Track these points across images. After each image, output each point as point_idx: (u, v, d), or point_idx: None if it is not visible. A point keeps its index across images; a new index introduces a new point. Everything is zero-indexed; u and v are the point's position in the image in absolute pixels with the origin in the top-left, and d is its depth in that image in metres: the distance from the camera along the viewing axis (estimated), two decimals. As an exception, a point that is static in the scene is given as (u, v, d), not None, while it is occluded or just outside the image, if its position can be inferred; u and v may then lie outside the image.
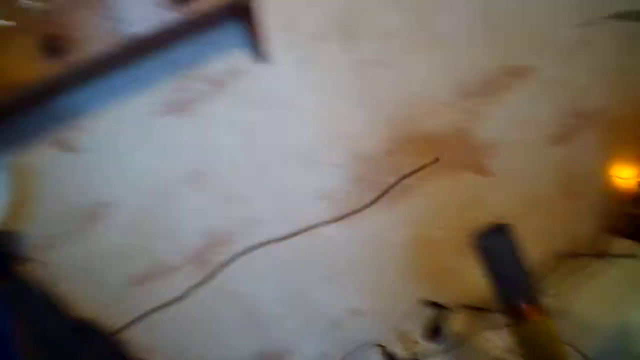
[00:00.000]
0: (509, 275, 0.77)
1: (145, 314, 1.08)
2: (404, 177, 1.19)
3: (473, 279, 1.23)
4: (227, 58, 1.05)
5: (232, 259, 1.11)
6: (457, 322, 1.24)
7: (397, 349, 1.20)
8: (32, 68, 0.79)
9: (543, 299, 0.82)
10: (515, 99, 1.23)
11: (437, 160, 1.19)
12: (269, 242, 1.12)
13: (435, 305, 1.23)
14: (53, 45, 0.79)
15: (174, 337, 1.12)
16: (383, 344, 1.20)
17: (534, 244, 1.28)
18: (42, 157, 1.01)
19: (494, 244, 0.75)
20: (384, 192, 1.18)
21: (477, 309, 1.23)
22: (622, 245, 1.27)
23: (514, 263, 0.77)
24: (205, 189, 1.09)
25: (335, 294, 1.20)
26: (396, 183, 1.18)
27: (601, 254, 1.25)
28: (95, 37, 0.80)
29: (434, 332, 1.19)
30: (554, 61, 1.24)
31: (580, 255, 1.28)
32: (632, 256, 1.21)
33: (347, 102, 1.14)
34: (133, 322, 1.07)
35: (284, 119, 1.11)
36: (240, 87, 1.07)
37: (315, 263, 1.18)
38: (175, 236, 1.09)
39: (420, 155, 1.20)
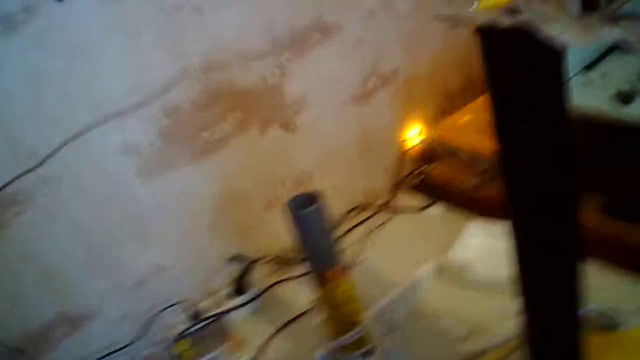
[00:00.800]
0: (317, 243, 0.83)
1: None
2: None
3: (279, 232, 1.29)
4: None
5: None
6: (263, 274, 1.30)
7: (205, 305, 1.21)
8: None
9: (343, 258, 0.89)
10: (323, 57, 1.28)
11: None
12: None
13: (242, 258, 1.26)
14: None
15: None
16: (190, 301, 1.21)
17: (333, 199, 1.38)
18: None
19: (306, 214, 0.80)
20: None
21: (283, 261, 1.31)
22: (408, 198, 1.43)
23: (322, 231, 0.82)
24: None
25: (142, 252, 1.15)
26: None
27: (392, 207, 1.39)
28: None
29: (241, 285, 1.22)
30: (360, 21, 1.31)
31: (374, 207, 1.42)
32: (418, 209, 1.37)
33: (155, 50, 1.07)
34: None
35: (84, 66, 1.00)
36: (35, 28, 0.93)
37: (122, 220, 1.13)
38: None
39: (230, 109, 1.19)
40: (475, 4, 0.53)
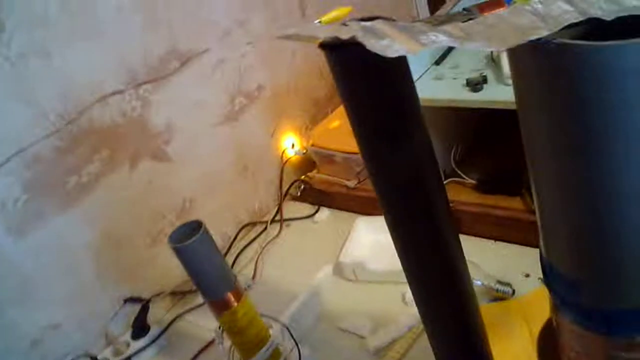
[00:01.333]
0: (207, 273, 0.82)
1: None
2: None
3: (170, 265, 1.26)
4: None
5: None
6: (162, 311, 1.26)
7: (107, 355, 1.16)
8: None
9: (238, 281, 0.89)
10: (185, 83, 1.27)
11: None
12: None
13: (136, 299, 1.22)
14: None
15: None
16: (91, 353, 1.15)
17: (220, 222, 1.37)
18: None
19: (189, 246, 0.78)
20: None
21: (179, 294, 1.28)
22: (295, 208, 1.45)
23: (209, 260, 0.81)
24: None
25: (31, 313, 1.08)
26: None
27: (280, 220, 1.40)
28: None
29: (141, 327, 1.18)
30: (217, 43, 1.31)
31: (261, 222, 1.42)
32: (303, 218, 1.40)
33: (6, 101, 1.01)
34: None
35: None
36: None
37: (2, 283, 1.06)
38: None
39: (94, 150, 1.14)
40: (317, 20, 0.55)
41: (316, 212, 1.40)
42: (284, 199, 1.47)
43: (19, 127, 1.03)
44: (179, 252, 0.78)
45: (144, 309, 1.20)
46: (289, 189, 1.48)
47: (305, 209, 1.43)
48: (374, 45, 0.30)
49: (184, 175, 1.30)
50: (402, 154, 0.49)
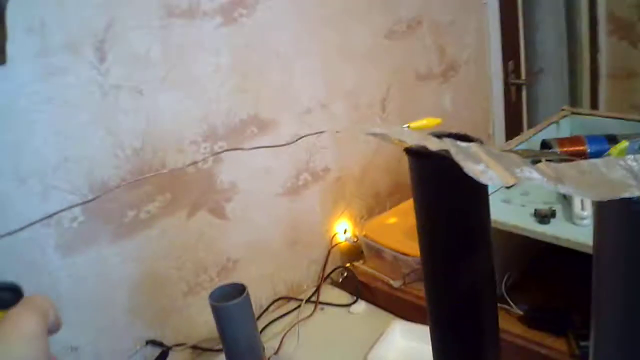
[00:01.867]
0: (240, 337, 0.81)
1: None
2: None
3: (198, 319, 1.27)
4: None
5: None
6: (179, 363, 1.25)
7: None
8: None
9: (264, 353, 0.87)
10: (259, 150, 1.31)
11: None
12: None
13: (158, 344, 1.22)
14: None
15: None
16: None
17: (258, 289, 1.37)
18: None
19: (229, 307, 0.78)
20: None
21: (199, 349, 1.26)
22: (333, 293, 1.44)
23: (245, 325, 0.81)
24: None
25: (56, 330, 1.10)
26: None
27: (316, 302, 1.39)
28: None
29: (155, 374, 1.17)
30: (296, 118, 1.36)
31: (297, 300, 1.41)
32: (339, 305, 1.38)
33: (90, 125, 1.07)
34: None
35: (17, 134, 0.99)
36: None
37: (36, 293, 1.07)
38: None
39: (160, 190, 1.18)
40: (405, 125, 0.57)
41: (354, 302, 1.37)
42: (324, 281, 1.46)
43: (94, 152, 1.08)
44: (218, 311, 0.79)
45: (163, 355, 1.20)
46: (331, 272, 1.47)
47: (344, 297, 1.41)
48: (470, 168, 0.31)
49: (235, 236, 1.32)
50: (464, 271, 0.49)
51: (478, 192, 0.49)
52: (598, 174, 0.35)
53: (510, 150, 0.37)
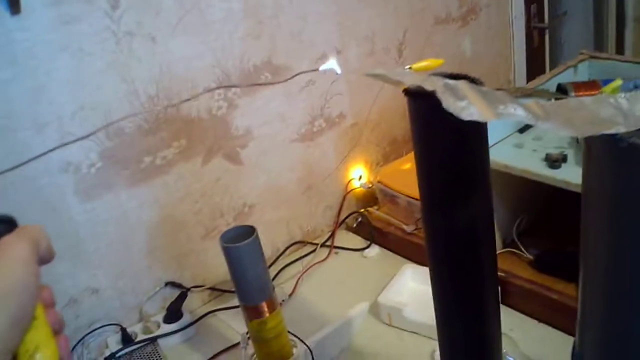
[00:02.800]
0: (248, 278, 0.84)
1: None
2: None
3: (216, 262, 1.30)
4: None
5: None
6: (197, 303, 1.29)
7: (137, 329, 1.20)
8: None
9: (275, 294, 0.90)
10: (273, 95, 1.31)
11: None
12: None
13: (177, 286, 1.26)
14: None
15: None
16: (121, 324, 1.19)
17: (273, 233, 1.40)
18: None
19: (238, 248, 0.81)
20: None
21: (217, 290, 1.31)
22: (347, 238, 1.46)
23: (253, 267, 0.84)
24: None
25: (75, 271, 1.14)
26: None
27: (330, 246, 1.41)
28: None
29: (174, 312, 1.21)
30: (311, 65, 1.35)
31: (312, 244, 1.44)
32: (353, 249, 1.40)
33: (105, 72, 1.08)
34: None
35: (33, 83, 1.01)
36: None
37: (56, 238, 1.11)
38: None
39: (174, 137, 1.20)
40: (407, 66, 0.57)
41: (367, 247, 1.40)
42: (338, 227, 1.48)
43: (110, 99, 1.10)
44: (227, 252, 0.81)
45: (182, 296, 1.24)
46: (346, 218, 1.49)
47: (358, 241, 1.44)
48: (450, 104, 0.32)
49: (250, 181, 1.34)
50: (460, 213, 0.50)
51: (476, 133, 0.49)
52: (586, 111, 0.35)
53: (501, 89, 0.37)
